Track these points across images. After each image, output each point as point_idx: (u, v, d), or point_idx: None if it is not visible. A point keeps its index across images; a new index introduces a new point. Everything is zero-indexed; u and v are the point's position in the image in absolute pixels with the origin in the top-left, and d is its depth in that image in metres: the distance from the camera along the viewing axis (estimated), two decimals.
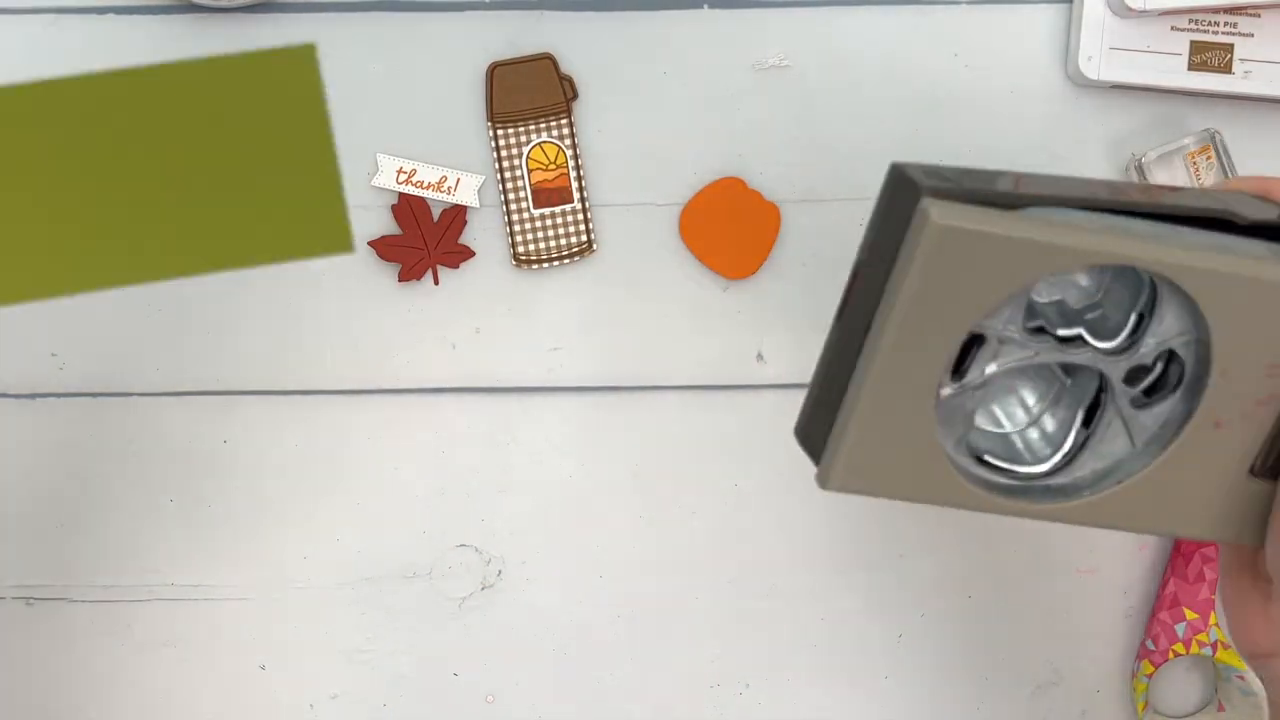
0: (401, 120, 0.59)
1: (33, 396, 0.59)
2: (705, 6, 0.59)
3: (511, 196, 0.59)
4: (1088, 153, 0.60)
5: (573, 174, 0.59)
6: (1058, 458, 0.41)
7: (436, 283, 0.59)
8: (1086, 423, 0.41)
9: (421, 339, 0.60)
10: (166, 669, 0.60)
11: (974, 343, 0.38)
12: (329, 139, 0.34)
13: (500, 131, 0.59)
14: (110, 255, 0.33)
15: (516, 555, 0.61)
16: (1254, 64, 0.58)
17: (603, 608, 0.61)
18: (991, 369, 0.39)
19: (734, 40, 0.59)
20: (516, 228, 0.59)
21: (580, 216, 0.59)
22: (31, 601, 0.59)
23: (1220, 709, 0.60)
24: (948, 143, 0.60)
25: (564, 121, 0.59)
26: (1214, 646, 0.58)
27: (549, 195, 0.59)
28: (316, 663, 0.61)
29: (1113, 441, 0.41)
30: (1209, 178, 0.58)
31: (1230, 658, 0.58)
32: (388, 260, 0.59)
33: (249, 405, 0.60)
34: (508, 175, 0.59)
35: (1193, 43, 0.58)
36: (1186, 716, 0.61)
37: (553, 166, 0.59)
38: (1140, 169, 0.58)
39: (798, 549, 0.61)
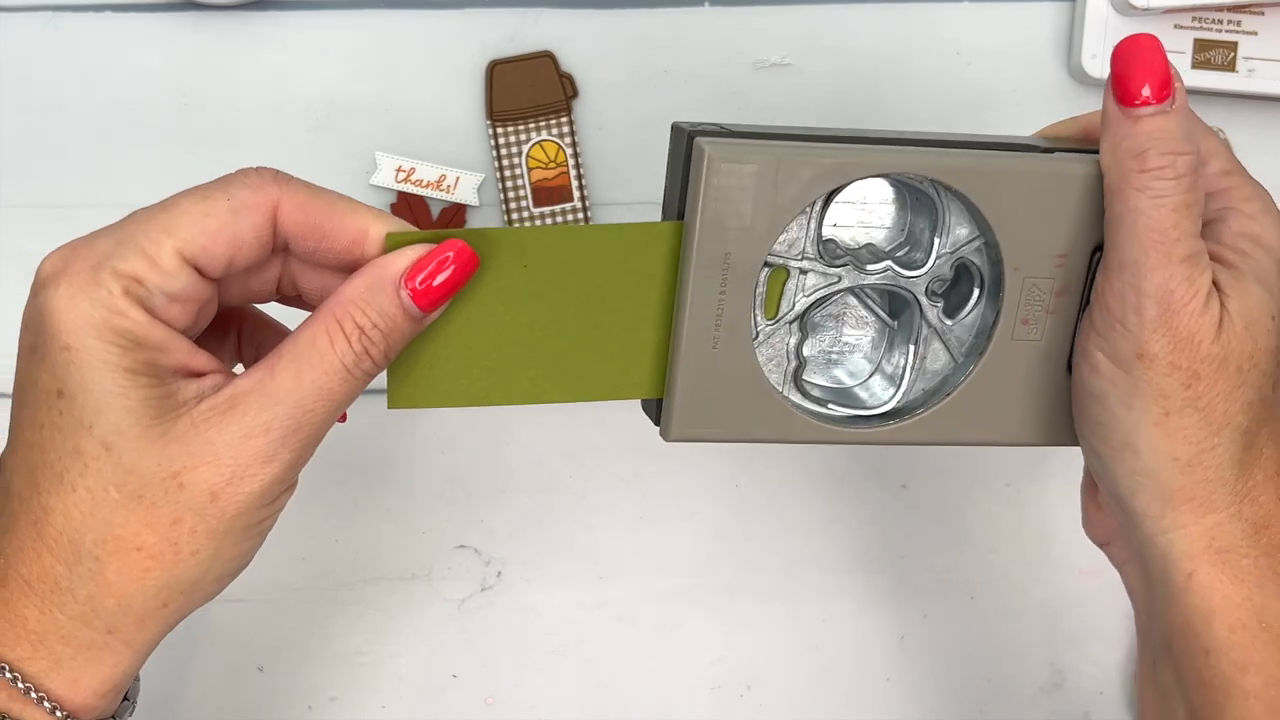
0: (400, 118, 0.59)
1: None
2: (706, 4, 0.59)
3: (511, 195, 0.58)
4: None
5: (573, 172, 0.59)
6: (898, 394, 0.43)
7: None
8: (912, 352, 0.43)
9: None
10: (164, 671, 0.60)
11: (776, 277, 0.42)
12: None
13: (500, 129, 0.58)
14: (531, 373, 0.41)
15: (516, 556, 0.60)
16: (1258, 62, 0.58)
17: (603, 609, 0.61)
18: (802, 301, 0.42)
19: (735, 38, 0.59)
20: (516, 227, 0.59)
21: (580, 215, 0.59)
22: None
23: None
24: None
25: (564, 119, 0.58)
26: None
27: (549, 194, 0.59)
28: (315, 664, 0.60)
29: (935, 360, 0.43)
30: None
31: None
32: None
33: None
34: (507, 173, 0.58)
35: (1196, 41, 0.58)
36: None
37: (553, 165, 0.59)
38: None
39: (798, 550, 0.60)
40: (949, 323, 0.43)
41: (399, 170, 0.58)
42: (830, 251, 0.42)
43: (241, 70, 0.59)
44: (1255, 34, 0.58)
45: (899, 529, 0.61)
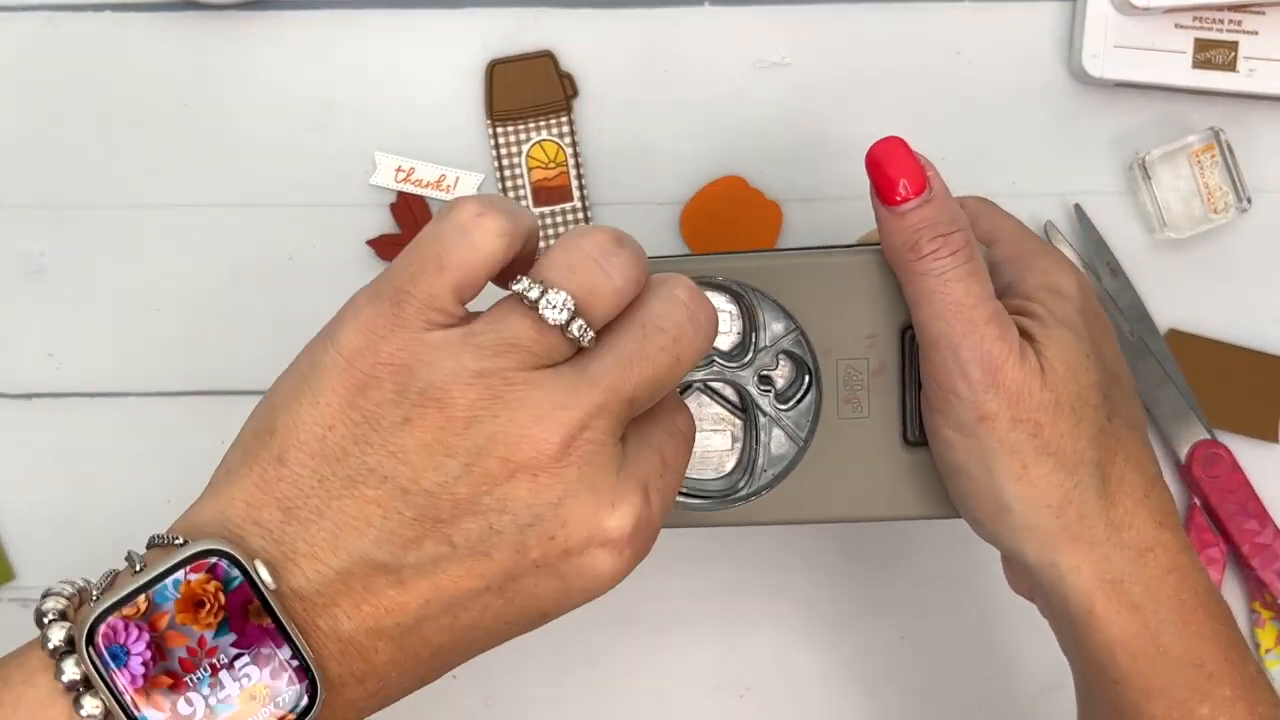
0: (400, 118, 0.59)
1: (29, 396, 0.59)
2: (706, 4, 0.59)
3: (511, 195, 0.58)
4: (1091, 151, 0.60)
5: (572, 172, 0.59)
6: (746, 478, 0.47)
7: None
8: (757, 441, 0.47)
9: None
10: None
11: None
12: None
13: (500, 129, 0.58)
14: None
15: None
16: (1258, 62, 0.58)
17: (602, 609, 0.60)
18: None
19: (735, 38, 0.59)
20: None
21: (580, 215, 0.59)
22: (27, 604, 0.59)
23: None
24: (949, 141, 0.60)
25: (564, 119, 0.58)
26: None
27: (549, 193, 0.59)
28: None
29: (779, 445, 0.47)
30: (1213, 176, 0.58)
31: None
32: (386, 260, 0.59)
33: (248, 405, 0.59)
34: (507, 173, 0.58)
35: (1197, 40, 0.57)
36: None
37: (552, 165, 0.58)
38: (1144, 167, 0.58)
39: (799, 549, 0.60)
40: (782, 409, 0.46)
41: (398, 170, 0.58)
42: None
43: (241, 70, 0.59)
44: (1256, 34, 0.58)
45: (899, 528, 0.61)
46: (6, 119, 0.59)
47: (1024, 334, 0.43)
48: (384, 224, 0.59)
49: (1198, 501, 0.59)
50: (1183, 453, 0.59)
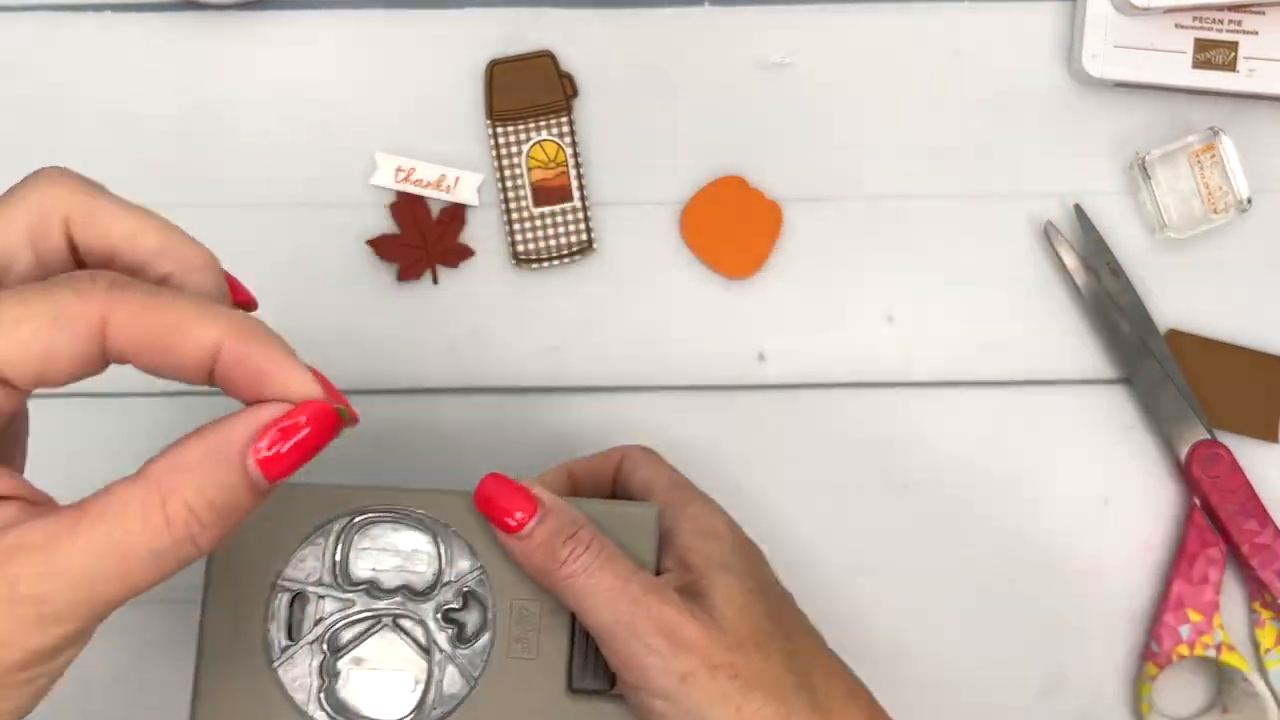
0: (400, 118, 0.59)
1: (30, 397, 0.59)
2: (706, 4, 0.59)
3: (511, 195, 0.58)
4: (1090, 152, 0.60)
5: (573, 172, 0.59)
6: (410, 714, 0.46)
7: (435, 282, 0.59)
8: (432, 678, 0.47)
9: (420, 339, 0.59)
10: (164, 673, 0.60)
11: (298, 602, 0.46)
12: None
13: (500, 129, 0.58)
14: None
15: None
16: (1258, 62, 0.58)
17: None
18: (321, 625, 0.46)
19: (735, 38, 0.59)
20: (516, 226, 0.59)
21: (580, 215, 0.59)
22: None
23: (1224, 711, 0.59)
24: (949, 142, 0.60)
25: (564, 119, 0.58)
26: (1218, 649, 0.58)
27: (549, 193, 0.58)
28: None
29: (453, 684, 0.46)
30: (1213, 176, 0.58)
31: (1235, 660, 0.58)
32: (386, 260, 0.59)
33: None
34: (507, 173, 0.58)
35: (1197, 40, 0.58)
36: (1191, 719, 0.61)
37: (553, 164, 0.58)
38: (1144, 167, 0.58)
39: (799, 550, 0.60)
40: (460, 647, 0.46)
41: (398, 170, 0.58)
42: (349, 581, 0.47)
43: (241, 70, 0.59)
44: (1256, 34, 0.58)
45: (900, 529, 0.61)
46: (7, 119, 0.59)
47: (690, 587, 0.45)
48: (384, 224, 0.59)
49: (1197, 501, 0.59)
50: (1183, 453, 0.59)
